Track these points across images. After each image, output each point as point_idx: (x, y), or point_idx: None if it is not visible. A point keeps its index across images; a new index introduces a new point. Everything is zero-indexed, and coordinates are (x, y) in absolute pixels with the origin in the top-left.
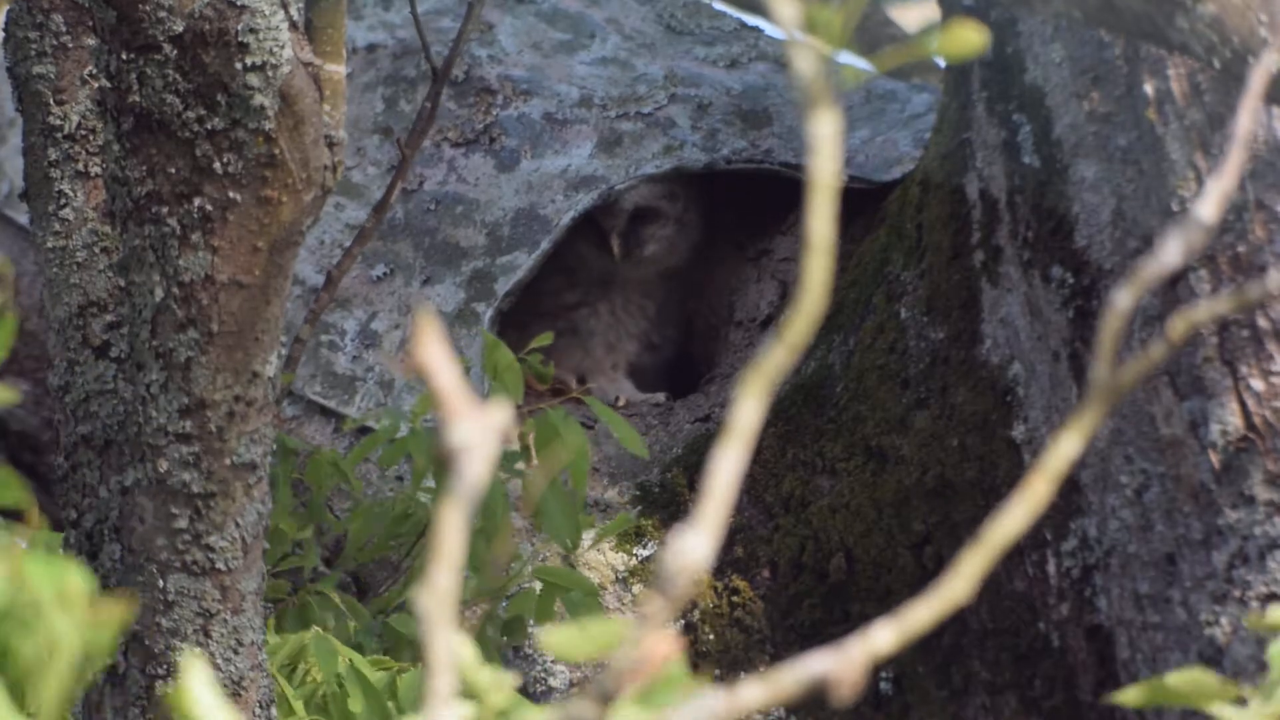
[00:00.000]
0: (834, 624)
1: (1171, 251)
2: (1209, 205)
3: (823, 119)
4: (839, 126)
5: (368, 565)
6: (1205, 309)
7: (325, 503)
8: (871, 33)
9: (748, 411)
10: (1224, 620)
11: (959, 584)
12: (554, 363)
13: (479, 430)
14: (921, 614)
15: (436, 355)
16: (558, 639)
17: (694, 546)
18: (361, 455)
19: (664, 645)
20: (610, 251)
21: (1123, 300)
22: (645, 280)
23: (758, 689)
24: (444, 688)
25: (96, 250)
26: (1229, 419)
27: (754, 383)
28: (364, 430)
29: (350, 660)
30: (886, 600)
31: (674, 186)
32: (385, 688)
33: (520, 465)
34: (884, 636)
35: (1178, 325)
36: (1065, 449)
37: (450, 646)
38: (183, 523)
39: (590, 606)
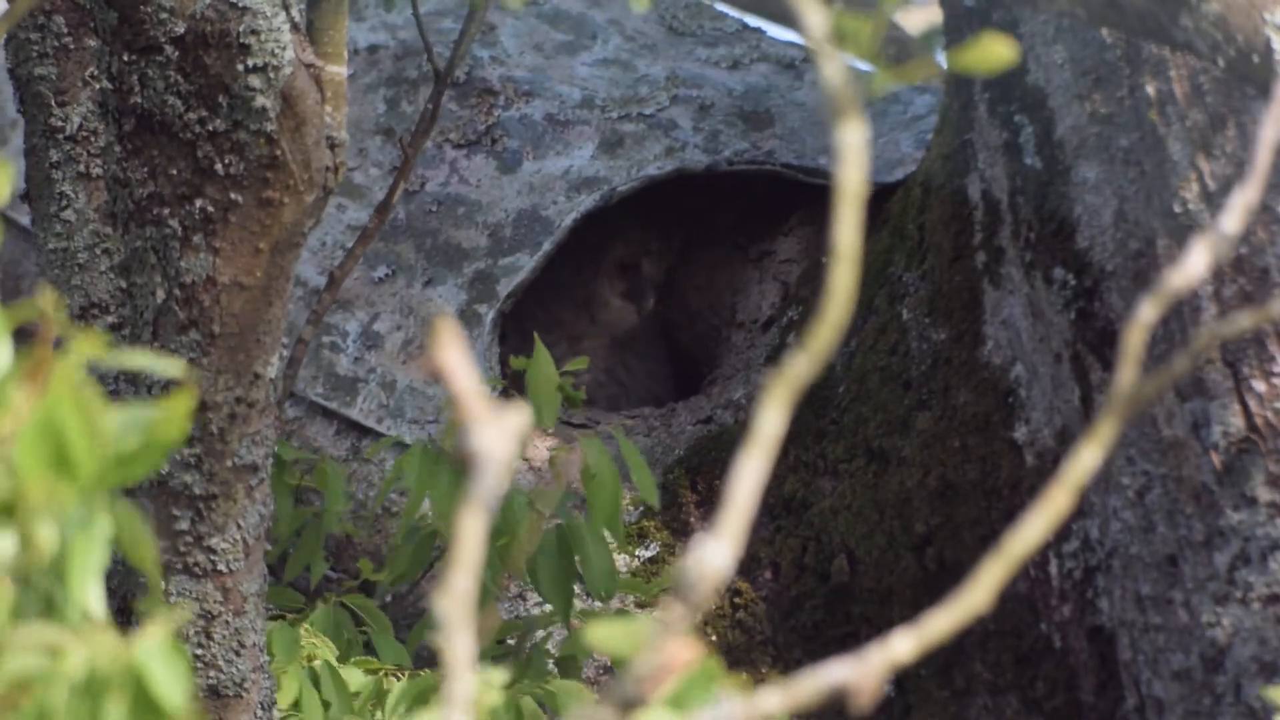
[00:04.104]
0: (836, 625)
1: (1196, 264)
2: (1232, 217)
3: (850, 128)
4: (866, 136)
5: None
6: (1230, 325)
7: (367, 514)
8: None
9: (771, 420)
10: (1226, 621)
11: (978, 594)
12: None
13: (498, 436)
14: (940, 623)
15: (455, 359)
16: (603, 634)
17: (714, 555)
18: (393, 481)
19: (684, 652)
20: (640, 301)
21: (1146, 313)
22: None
23: (776, 696)
24: (462, 691)
25: (98, 252)
26: (1231, 420)
27: (777, 392)
28: (367, 434)
29: (325, 659)
30: (888, 601)
31: (665, 230)
32: (371, 691)
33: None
34: (903, 646)
35: (1201, 339)
36: (1085, 460)
37: (469, 650)
38: (184, 524)
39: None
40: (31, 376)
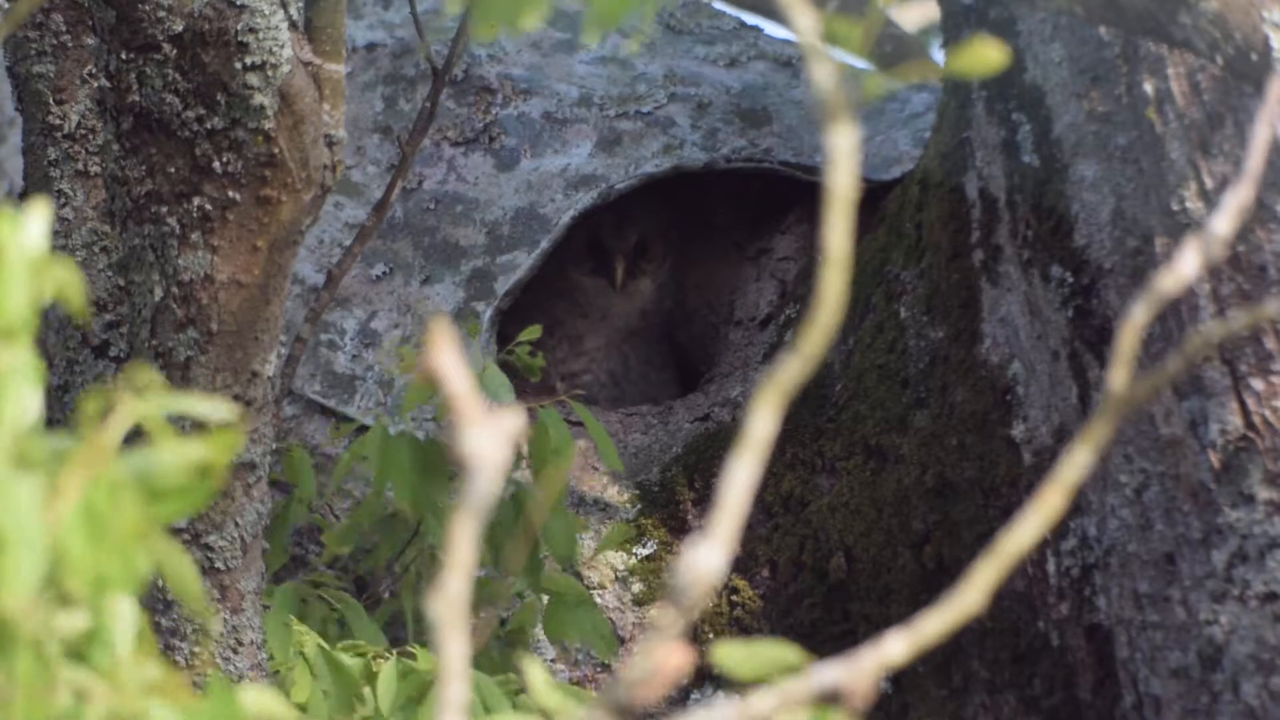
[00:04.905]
0: (833, 623)
1: (1188, 264)
2: (1225, 218)
3: (841, 131)
4: (857, 139)
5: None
6: (1221, 326)
7: (324, 501)
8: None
9: (762, 423)
10: (1223, 619)
11: (971, 594)
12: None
13: (491, 438)
14: (933, 624)
15: (449, 361)
16: (729, 655)
17: (707, 558)
18: (350, 462)
19: (676, 656)
20: (611, 279)
21: (1139, 314)
22: (631, 330)
23: (769, 697)
24: (456, 694)
25: (96, 250)
26: (1228, 418)
27: (769, 394)
28: (362, 430)
29: (316, 644)
30: (886, 600)
31: (667, 234)
32: (360, 674)
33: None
34: (896, 647)
35: (1194, 340)
36: (1078, 460)
37: (463, 653)
38: (182, 522)
39: (586, 614)
40: (86, 463)
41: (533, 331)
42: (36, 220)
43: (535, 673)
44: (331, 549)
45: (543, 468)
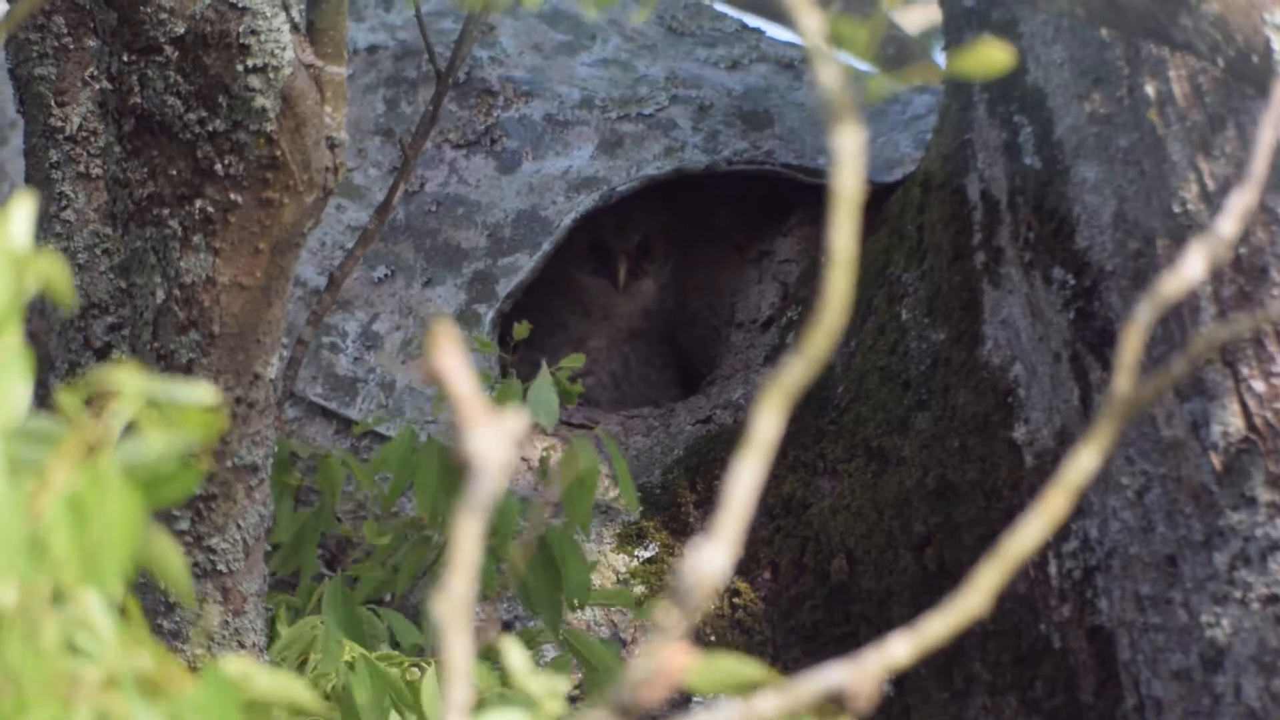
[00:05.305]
0: (835, 625)
1: (1193, 265)
2: (1230, 219)
3: (846, 132)
4: (862, 140)
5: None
6: (1226, 329)
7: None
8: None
9: (766, 424)
10: (1225, 621)
11: (975, 597)
12: None
13: (495, 438)
14: (937, 626)
15: (453, 363)
16: (688, 669)
17: (711, 559)
18: (378, 468)
19: (679, 657)
20: (614, 279)
21: (1144, 314)
22: (633, 331)
23: (773, 698)
24: (460, 694)
25: (98, 252)
26: (1230, 420)
27: (773, 396)
28: (367, 434)
29: (359, 653)
30: (888, 602)
31: (669, 235)
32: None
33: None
34: (900, 649)
35: (1199, 343)
36: (1083, 463)
37: (466, 653)
38: (184, 525)
39: (609, 674)
40: (72, 453)
41: (575, 360)
42: (20, 214)
43: (514, 655)
44: (371, 540)
45: (570, 492)
